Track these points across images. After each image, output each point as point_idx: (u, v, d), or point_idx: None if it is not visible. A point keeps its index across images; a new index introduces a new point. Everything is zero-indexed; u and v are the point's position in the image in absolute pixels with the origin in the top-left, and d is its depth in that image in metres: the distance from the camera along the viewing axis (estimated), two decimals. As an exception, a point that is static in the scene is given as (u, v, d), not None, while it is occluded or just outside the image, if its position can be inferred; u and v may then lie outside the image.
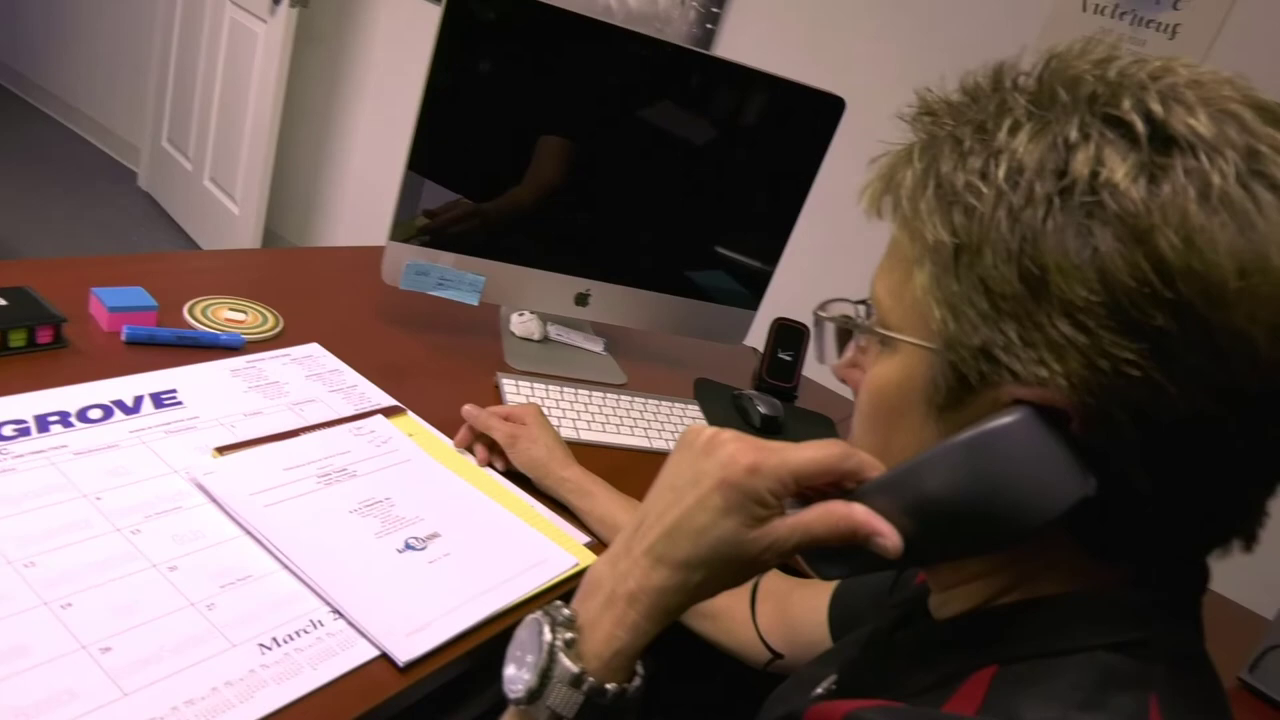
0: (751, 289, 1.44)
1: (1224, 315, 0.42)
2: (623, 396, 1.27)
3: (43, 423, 0.87)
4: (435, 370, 1.23)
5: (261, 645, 0.71)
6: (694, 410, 1.31)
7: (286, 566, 0.79)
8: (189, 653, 0.68)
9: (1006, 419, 0.47)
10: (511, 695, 0.54)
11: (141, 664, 0.66)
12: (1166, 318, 0.42)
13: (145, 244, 3.20)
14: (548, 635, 0.53)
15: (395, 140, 3.07)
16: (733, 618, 0.92)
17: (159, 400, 0.96)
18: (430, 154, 1.21)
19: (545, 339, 1.40)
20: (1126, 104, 0.45)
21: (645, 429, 1.22)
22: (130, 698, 0.63)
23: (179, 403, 0.97)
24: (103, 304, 1.06)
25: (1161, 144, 0.44)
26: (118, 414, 0.92)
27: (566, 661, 0.52)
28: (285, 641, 0.72)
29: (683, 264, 1.42)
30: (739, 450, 0.52)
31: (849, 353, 0.60)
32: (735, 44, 2.39)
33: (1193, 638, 0.52)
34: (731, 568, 0.52)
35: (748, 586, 0.80)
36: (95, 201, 3.40)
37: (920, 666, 0.54)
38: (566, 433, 1.14)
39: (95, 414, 0.91)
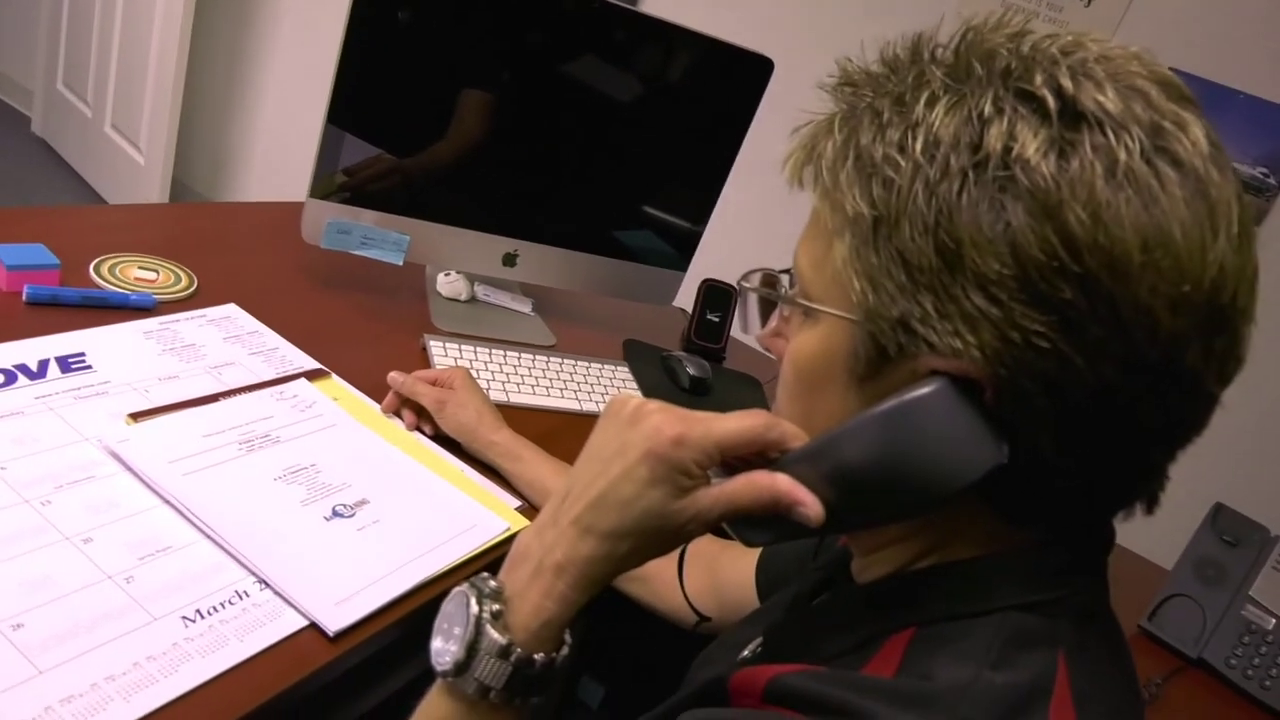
0: (680, 250, 1.44)
1: (1127, 288, 0.44)
2: (552, 358, 1.26)
3: (-61, 389, 0.83)
4: (359, 332, 1.20)
5: (185, 618, 0.69)
6: (623, 372, 1.31)
7: (209, 536, 0.77)
8: (108, 627, 0.66)
9: (923, 390, 0.48)
10: (439, 668, 0.54)
11: (57, 640, 0.64)
12: (1074, 291, 0.44)
13: (43, 196, 3.02)
14: (474, 607, 0.53)
15: (311, 88, 2.94)
16: (662, 581, 0.94)
17: (66, 364, 0.92)
18: (351, 107, 1.17)
19: (472, 299, 1.38)
20: (1038, 79, 0.46)
21: (575, 391, 1.22)
22: (46, 675, 0.61)
23: (88, 367, 0.93)
24: (1, 262, 1.00)
25: (1071, 119, 0.45)
26: (21, 379, 0.88)
27: (494, 633, 0.52)
28: (210, 613, 0.70)
29: (611, 224, 1.41)
30: (664, 421, 0.52)
31: (772, 322, 0.61)
32: (661, 1, 2.36)
33: (1099, 594, 0.55)
34: (658, 538, 0.53)
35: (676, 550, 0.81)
36: (-16, 147, 3.19)
37: (841, 630, 0.56)
38: (496, 396, 1.13)
39: (-4, 379, 0.86)
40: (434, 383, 1.02)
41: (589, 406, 1.20)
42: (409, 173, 1.25)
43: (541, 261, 1.36)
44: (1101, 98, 0.45)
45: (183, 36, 2.73)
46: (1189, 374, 0.46)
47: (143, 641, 0.66)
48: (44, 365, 0.90)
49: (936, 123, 0.47)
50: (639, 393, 1.27)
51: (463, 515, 0.90)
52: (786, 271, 0.59)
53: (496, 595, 0.55)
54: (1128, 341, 0.45)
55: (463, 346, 1.20)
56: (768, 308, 0.62)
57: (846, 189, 0.50)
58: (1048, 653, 0.49)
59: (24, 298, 0.99)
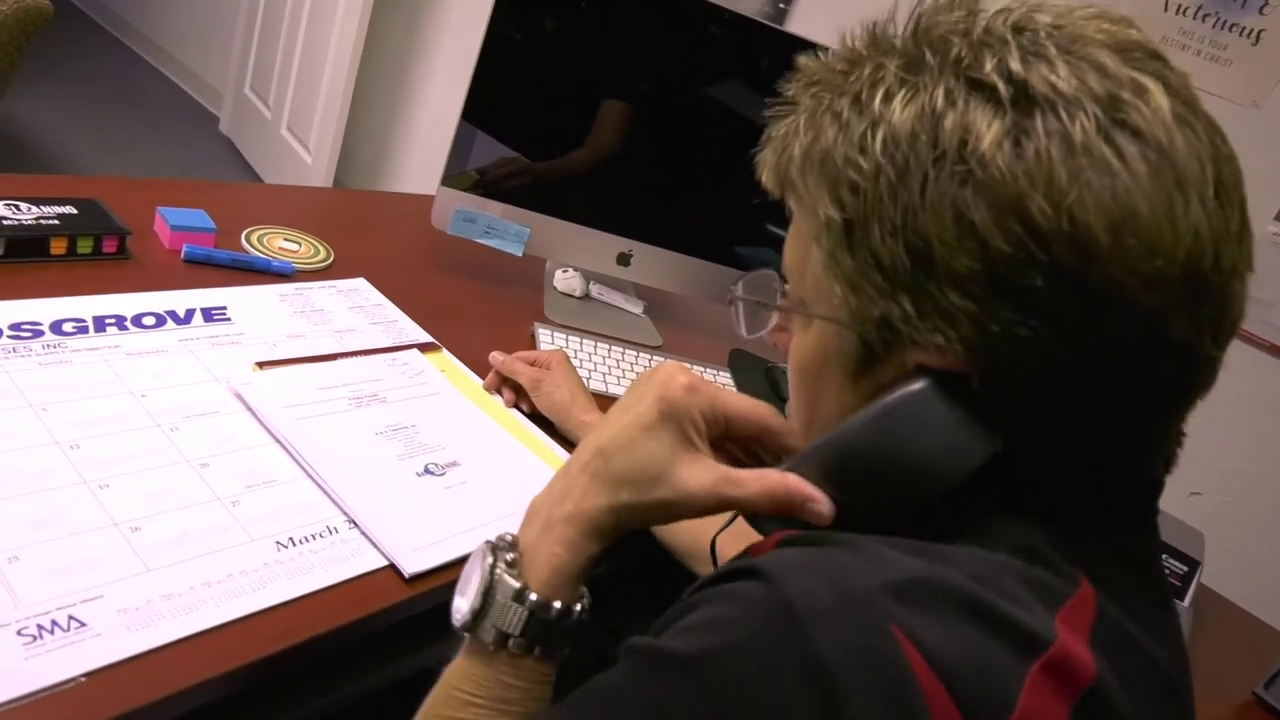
0: (794, 265, 1.44)
1: (1099, 271, 0.43)
2: (656, 357, 1.29)
3: (100, 323, 0.93)
4: (475, 314, 1.26)
5: (279, 543, 0.75)
6: (725, 378, 1.32)
7: (310, 476, 0.83)
8: (211, 541, 0.73)
9: (911, 387, 0.49)
10: (457, 622, 0.55)
11: (166, 545, 0.71)
12: (1045, 279, 0.44)
13: (221, 186, 3.30)
14: (489, 558, 0.55)
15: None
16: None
17: (209, 314, 1.01)
18: (484, 106, 1.24)
19: (586, 296, 1.43)
20: (988, 65, 0.45)
21: (673, 390, 1.24)
22: (152, 573, 0.68)
23: (228, 319, 1.02)
24: (166, 222, 1.11)
25: (1024, 105, 0.44)
26: (169, 323, 0.97)
27: (508, 579, 0.54)
28: (301, 542, 0.76)
29: (731, 236, 1.43)
30: (679, 370, 0.55)
31: (771, 323, 0.61)
32: (807, 22, 2.38)
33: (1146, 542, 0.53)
34: (654, 491, 0.53)
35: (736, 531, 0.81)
36: (177, 143, 3.52)
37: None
38: (594, 385, 1.16)
39: (149, 321, 0.96)
40: (533, 363, 1.06)
41: (685, 405, 1.21)
42: (540, 174, 1.31)
43: (656, 263, 1.40)
44: (1053, 77, 0.44)
45: (355, 50, 2.95)
46: (1178, 343, 0.45)
47: (239, 558, 0.72)
48: (190, 313, 1.00)
49: (894, 118, 0.47)
50: (738, 399, 1.28)
51: (546, 488, 0.93)
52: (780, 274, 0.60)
53: (511, 546, 0.57)
54: (1107, 321, 0.44)
55: (569, 337, 1.24)
56: (761, 309, 0.62)
57: (816, 193, 0.50)
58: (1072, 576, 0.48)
59: (182, 255, 1.10)
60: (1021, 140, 0.44)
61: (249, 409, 0.89)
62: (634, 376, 1.23)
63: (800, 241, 0.54)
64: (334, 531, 0.78)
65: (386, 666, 0.80)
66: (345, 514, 0.80)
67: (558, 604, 0.54)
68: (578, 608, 0.56)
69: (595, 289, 1.45)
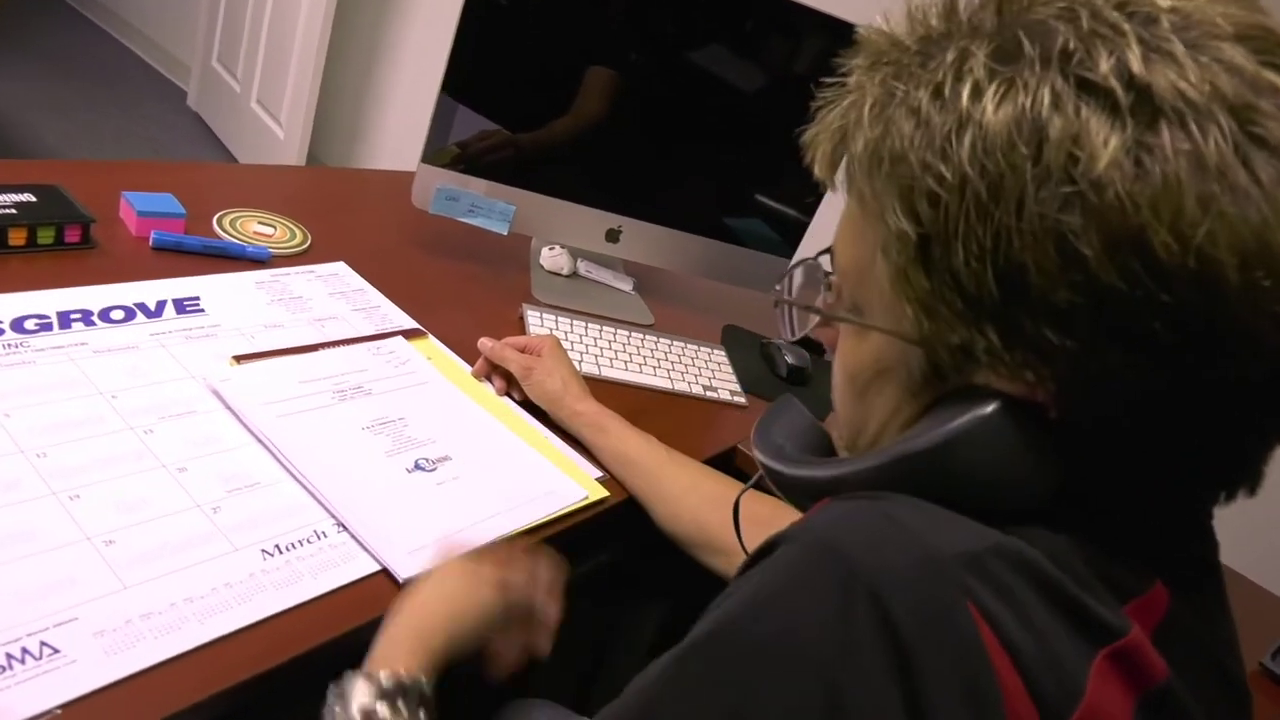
0: (787, 238, 1.40)
1: (1225, 311, 0.38)
2: (648, 336, 1.25)
3: (65, 319, 0.88)
4: (460, 297, 1.22)
5: (264, 551, 0.71)
6: (720, 355, 1.29)
7: (294, 477, 0.79)
8: (192, 552, 0.69)
9: (982, 411, 0.44)
10: None
11: (144, 559, 0.67)
12: (1163, 323, 0.39)
13: (190, 161, 3.21)
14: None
15: (441, 72, 3.03)
16: (741, 555, 0.91)
17: (181, 306, 0.96)
18: (465, 77, 1.18)
19: (574, 274, 1.39)
20: (1104, 66, 0.39)
21: (669, 370, 1.20)
22: (130, 590, 0.64)
23: (201, 310, 0.97)
24: (132, 208, 1.06)
25: (1147, 116, 0.38)
26: (139, 316, 0.92)
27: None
28: (288, 549, 0.72)
29: (720, 208, 1.38)
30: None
31: (815, 320, 0.57)
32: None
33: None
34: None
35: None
36: (144, 118, 3.42)
37: None
38: (588, 368, 1.13)
39: (117, 315, 0.91)
40: (523, 349, 1.02)
41: (681, 386, 1.18)
42: (523, 147, 1.25)
43: (646, 239, 1.35)
44: (1181, 82, 0.38)
45: (326, 18, 2.86)
46: None
47: (222, 569, 0.68)
48: (161, 305, 0.95)
49: (986, 120, 0.40)
50: (735, 379, 1.25)
51: (542, 480, 0.90)
52: (828, 252, 0.55)
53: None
54: (1228, 365, 0.40)
55: (559, 318, 1.20)
56: (811, 313, 0.57)
57: (885, 200, 0.44)
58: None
59: (151, 243, 1.05)
60: (1144, 159, 0.38)
61: (227, 407, 0.84)
62: (626, 358, 1.19)
63: (860, 244, 0.48)
64: (322, 536, 0.74)
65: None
66: (333, 517, 0.76)
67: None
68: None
69: (583, 266, 1.40)
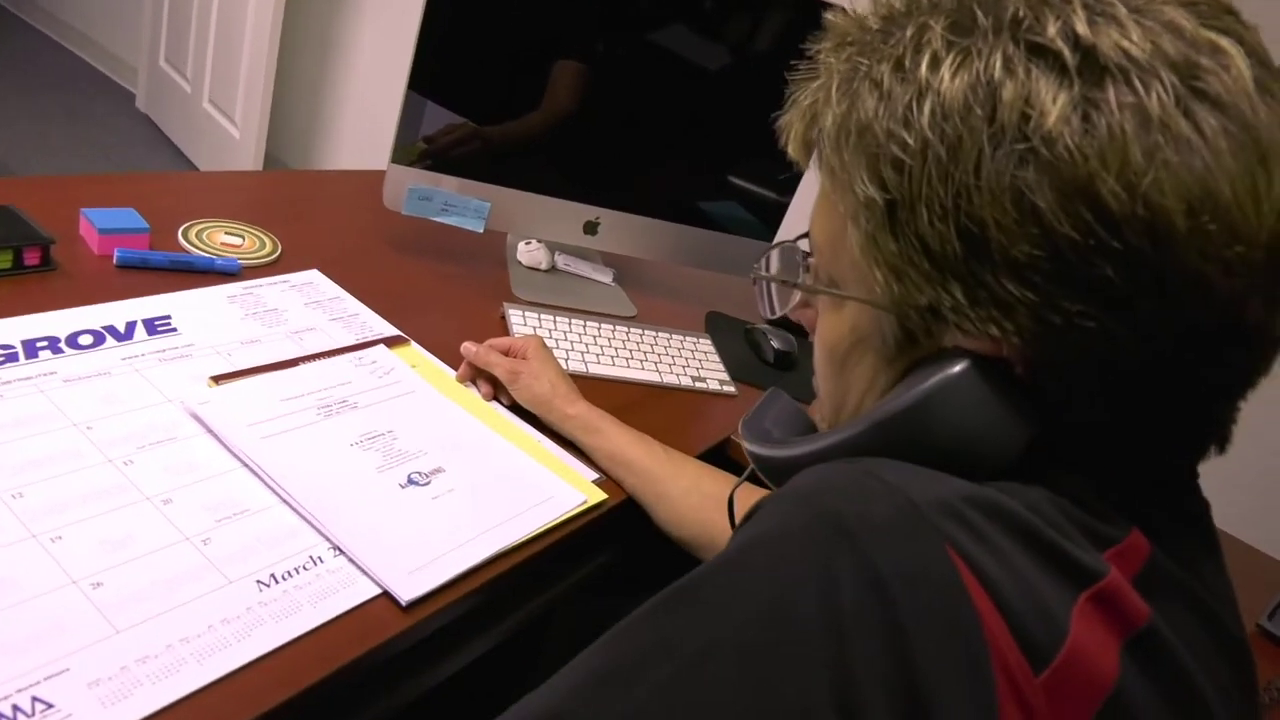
0: (765, 220, 1.39)
1: (1175, 257, 0.40)
2: (633, 329, 1.23)
3: (31, 348, 0.84)
4: (439, 299, 1.19)
5: (259, 582, 0.68)
6: (706, 344, 1.27)
7: (285, 501, 0.76)
8: (184, 589, 0.66)
9: (949, 371, 0.46)
10: None
11: (134, 599, 0.64)
12: (1115, 268, 0.40)
13: (144, 168, 3.13)
14: None
15: (400, 61, 2.96)
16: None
17: (152, 326, 0.93)
18: (432, 74, 1.15)
19: (553, 269, 1.36)
20: (1051, 29, 0.41)
21: (656, 363, 1.18)
22: (122, 634, 0.61)
23: (173, 329, 0.93)
24: (93, 225, 1.01)
25: (1093, 74, 0.40)
26: (109, 340, 0.89)
27: None
28: (284, 578, 0.69)
29: (696, 193, 1.36)
30: None
31: (794, 300, 0.59)
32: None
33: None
34: None
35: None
36: (93, 124, 3.32)
37: None
38: (574, 366, 1.10)
39: (86, 340, 0.87)
40: (507, 351, 1.00)
41: (670, 379, 1.16)
42: (490, 139, 1.22)
43: (624, 230, 1.33)
44: (1125, 41, 0.40)
45: (276, 12, 2.78)
46: (1250, 329, 0.42)
47: (218, 604, 0.66)
48: (131, 327, 0.91)
49: (942, 88, 0.42)
50: (723, 368, 1.23)
51: (539, 487, 0.88)
52: (803, 247, 0.57)
53: None
54: (1180, 310, 0.41)
55: (542, 315, 1.18)
56: (788, 287, 0.59)
57: (854, 170, 0.46)
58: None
59: (115, 261, 1.01)
60: (1091, 114, 0.40)
61: (209, 431, 0.81)
62: (613, 353, 1.17)
63: (832, 217, 0.50)
64: (319, 562, 0.72)
65: (386, 698, 0.74)
66: (329, 541, 0.74)
67: None
68: None
69: (561, 260, 1.38)
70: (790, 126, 0.51)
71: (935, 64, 0.43)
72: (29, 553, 0.65)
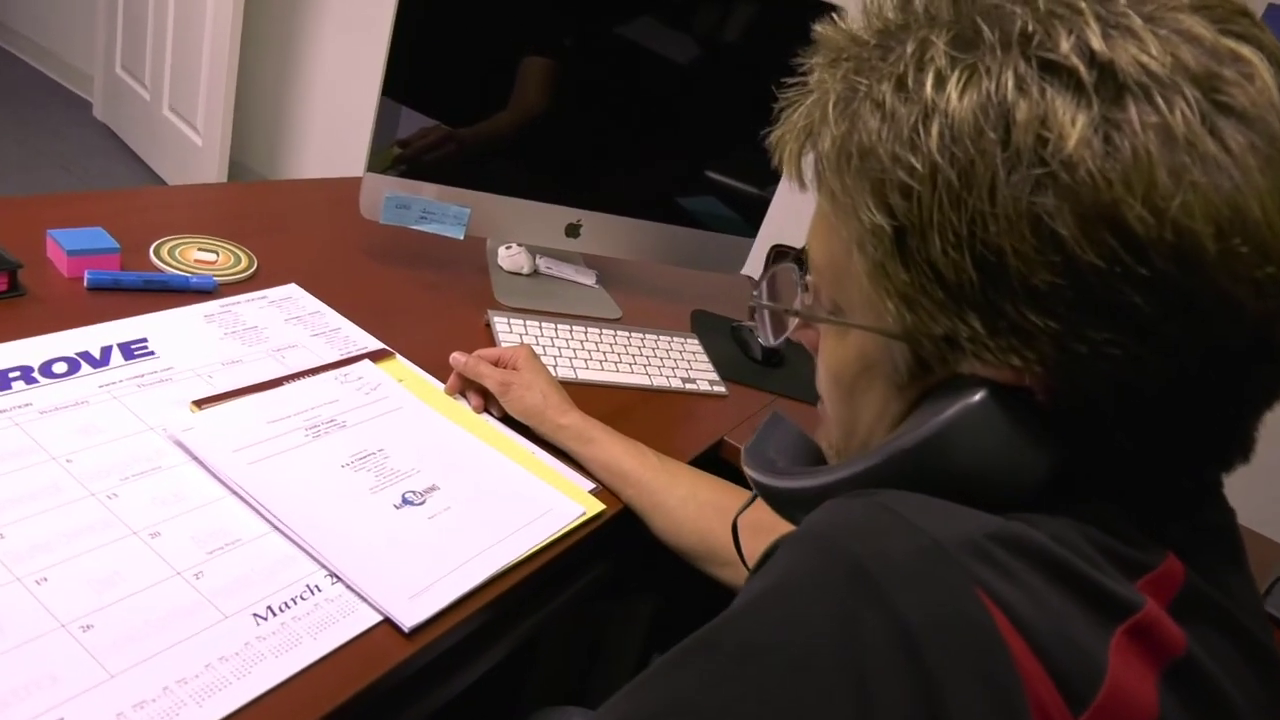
0: (747, 216, 1.38)
1: (1204, 282, 0.38)
2: (619, 331, 1.21)
3: (3, 379, 0.81)
4: (422, 309, 1.16)
5: (256, 615, 0.66)
6: (694, 344, 1.26)
7: (278, 528, 0.74)
8: (178, 627, 0.64)
9: (968, 401, 0.44)
10: None
11: (127, 641, 0.61)
12: (1143, 295, 0.39)
13: (104, 179, 3.06)
14: None
15: (363, 62, 2.92)
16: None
17: (129, 351, 0.90)
18: (406, 79, 1.12)
19: (535, 273, 1.34)
20: (1065, 45, 0.39)
21: (645, 365, 1.17)
22: (117, 679, 0.59)
23: (150, 353, 0.90)
24: (61, 247, 0.98)
25: (1112, 93, 0.38)
26: (85, 367, 0.86)
27: None
28: (281, 610, 0.67)
29: (675, 190, 1.35)
30: None
31: (793, 324, 0.57)
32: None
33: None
34: None
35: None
36: (49, 134, 3.24)
37: None
38: (564, 373, 1.09)
39: (60, 368, 0.84)
40: (497, 362, 0.98)
41: (660, 381, 1.15)
42: (464, 141, 1.20)
43: (605, 231, 1.31)
44: (1143, 56, 0.38)
45: (235, 15, 2.72)
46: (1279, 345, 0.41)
47: (214, 641, 0.63)
48: (106, 352, 0.88)
49: (951, 109, 0.40)
50: (711, 367, 1.22)
51: (536, 500, 0.86)
52: (800, 262, 0.54)
53: None
54: (1209, 333, 0.40)
55: (528, 322, 1.16)
56: (788, 315, 0.57)
57: (857, 195, 0.44)
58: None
59: (85, 283, 0.97)
60: (1113, 136, 0.38)
61: (194, 459, 0.79)
62: (600, 357, 1.15)
63: (833, 240, 0.48)
64: (316, 591, 0.70)
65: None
66: (325, 568, 0.72)
67: None
68: None
69: (543, 263, 1.36)
70: (783, 145, 0.49)
71: (940, 82, 0.41)
72: (14, 596, 0.62)
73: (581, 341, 1.17)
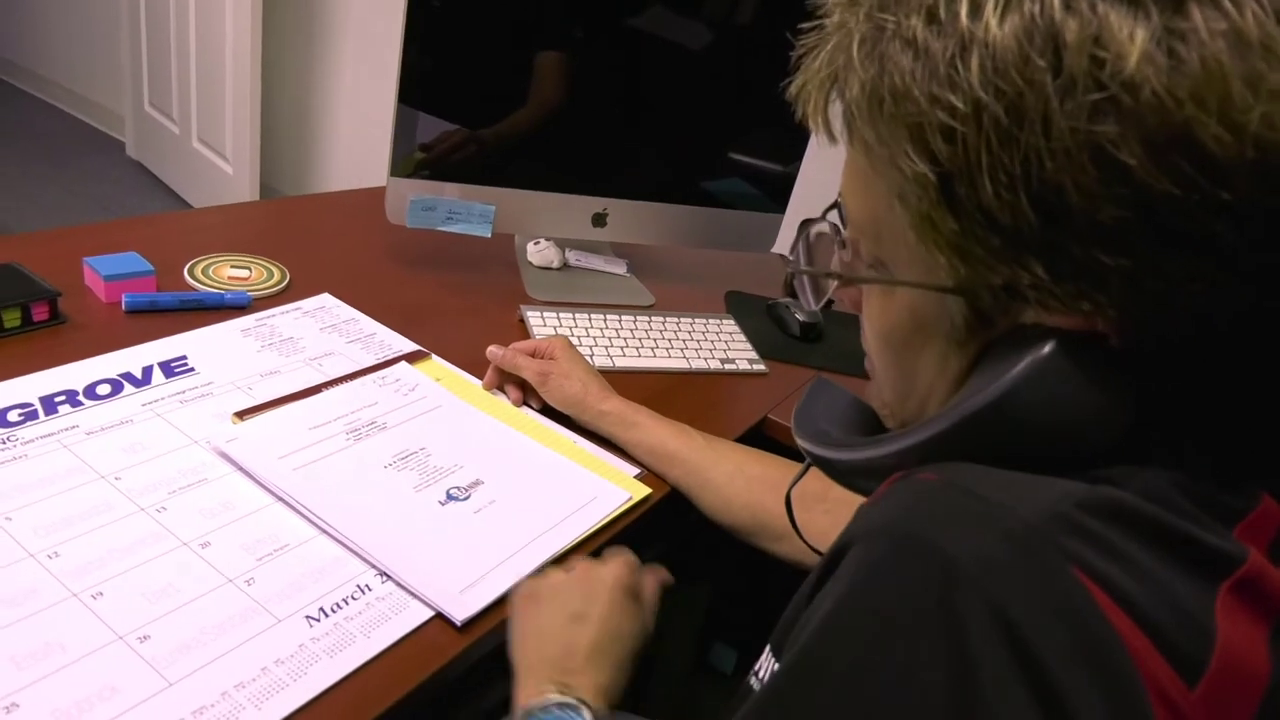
0: (774, 193, 1.36)
1: None
2: (653, 317, 1.20)
3: (49, 404, 0.82)
4: (455, 309, 1.16)
5: (309, 617, 0.66)
6: (730, 324, 1.24)
7: (325, 531, 0.74)
8: (233, 633, 0.64)
9: (1039, 353, 0.40)
10: None
11: (183, 650, 0.62)
12: (1225, 222, 0.35)
13: (142, 214, 3.12)
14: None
15: (382, 76, 2.95)
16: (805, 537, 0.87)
17: (169, 369, 0.91)
18: (419, 84, 1.12)
19: (565, 266, 1.33)
20: None
21: (681, 349, 1.15)
22: (176, 687, 0.59)
23: (190, 369, 0.91)
24: (97, 273, 0.99)
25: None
26: (127, 387, 0.87)
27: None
28: (334, 610, 0.67)
29: (699, 173, 1.33)
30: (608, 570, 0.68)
31: (834, 285, 0.53)
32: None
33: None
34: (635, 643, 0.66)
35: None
36: (85, 176, 3.31)
37: None
38: (600, 361, 1.08)
39: (104, 389, 0.85)
40: (533, 353, 0.97)
41: (698, 364, 1.13)
42: (486, 141, 1.20)
43: (632, 218, 1.30)
44: None
45: (254, 45, 2.76)
46: None
47: (269, 645, 0.63)
48: (148, 371, 0.89)
49: (990, 38, 0.36)
50: (750, 346, 1.20)
51: (581, 488, 0.85)
52: (834, 208, 0.51)
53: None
54: None
55: (561, 314, 1.15)
56: (829, 279, 0.53)
57: (894, 143, 0.40)
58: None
59: (123, 307, 0.99)
60: (1178, 48, 0.34)
61: (239, 468, 0.79)
62: (636, 344, 1.14)
63: (871, 194, 0.45)
64: (367, 590, 0.70)
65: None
66: (375, 567, 0.72)
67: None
68: None
69: (572, 256, 1.35)
70: (807, 97, 0.45)
71: (976, 9, 0.37)
72: (72, 612, 0.63)
73: (616, 330, 1.16)
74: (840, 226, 0.50)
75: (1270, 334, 0.39)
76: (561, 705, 0.57)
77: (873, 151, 0.43)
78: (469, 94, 1.19)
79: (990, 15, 0.37)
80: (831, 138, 0.46)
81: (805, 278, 0.56)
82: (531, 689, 0.60)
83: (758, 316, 1.31)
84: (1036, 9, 0.36)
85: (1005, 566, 0.35)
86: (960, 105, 0.37)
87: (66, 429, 0.79)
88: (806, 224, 0.55)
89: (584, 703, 0.57)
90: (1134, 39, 0.34)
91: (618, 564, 0.68)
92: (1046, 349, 0.40)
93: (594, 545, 0.80)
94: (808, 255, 0.57)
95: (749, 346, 1.20)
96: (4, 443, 0.76)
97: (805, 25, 0.46)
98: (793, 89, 0.46)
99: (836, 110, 0.45)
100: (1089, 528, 0.36)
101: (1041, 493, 0.38)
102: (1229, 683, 0.36)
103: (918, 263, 0.44)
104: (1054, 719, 0.33)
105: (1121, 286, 0.38)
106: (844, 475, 0.52)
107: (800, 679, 0.38)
